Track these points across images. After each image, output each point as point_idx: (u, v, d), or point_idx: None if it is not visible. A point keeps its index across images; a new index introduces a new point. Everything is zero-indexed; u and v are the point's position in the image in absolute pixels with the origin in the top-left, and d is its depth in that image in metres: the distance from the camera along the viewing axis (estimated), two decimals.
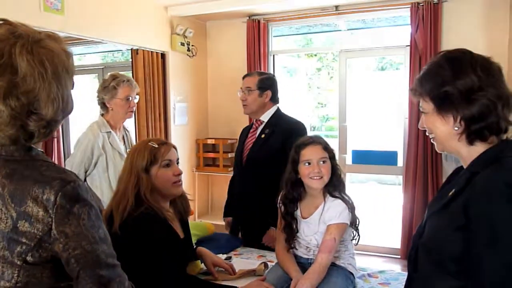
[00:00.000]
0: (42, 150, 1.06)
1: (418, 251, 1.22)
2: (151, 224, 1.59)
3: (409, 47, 4.19)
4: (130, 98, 2.58)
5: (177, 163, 1.83)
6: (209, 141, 5.08)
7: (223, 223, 2.92)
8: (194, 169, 5.06)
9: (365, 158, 4.69)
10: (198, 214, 5.07)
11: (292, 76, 5.98)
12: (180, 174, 1.79)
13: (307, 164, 1.92)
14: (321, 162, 1.91)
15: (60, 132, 5.48)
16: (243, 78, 2.74)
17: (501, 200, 1.01)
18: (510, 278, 1.00)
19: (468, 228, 1.06)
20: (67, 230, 0.94)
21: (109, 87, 2.53)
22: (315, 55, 9.30)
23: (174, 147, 1.84)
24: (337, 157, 5.12)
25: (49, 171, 0.98)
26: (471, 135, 1.13)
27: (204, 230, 2.67)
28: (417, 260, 1.22)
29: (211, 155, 5.09)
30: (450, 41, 4.03)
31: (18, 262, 0.93)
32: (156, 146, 1.74)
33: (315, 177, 1.90)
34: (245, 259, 2.33)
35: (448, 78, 1.13)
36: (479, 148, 1.14)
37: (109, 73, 2.66)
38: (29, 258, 0.93)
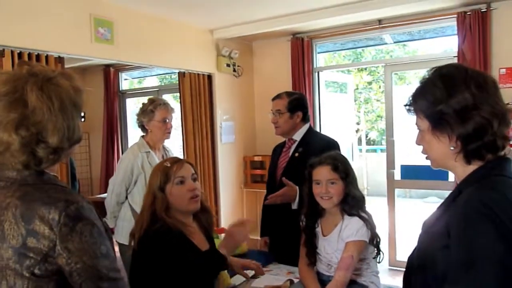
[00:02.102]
0: (54, 174, 1.20)
1: (410, 271, 1.20)
2: (164, 240, 1.67)
3: (456, 58, 4.05)
4: (167, 120, 2.75)
5: (194, 179, 1.86)
6: (256, 158, 5.17)
7: None
8: (242, 186, 5.17)
9: (414, 173, 4.55)
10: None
11: (342, 91, 5.96)
12: (194, 189, 1.81)
13: (317, 184, 1.95)
14: (330, 183, 1.92)
15: (120, 150, 5.88)
16: (273, 100, 2.72)
17: (478, 221, 0.98)
18: None
19: (448, 248, 1.03)
20: (69, 246, 1.06)
21: (147, 110, 2.72)
22: (365, 69, 9.16)
23: (190, 163, 1.89)
24: (384, 172, 4.87)
25: (57, 193, 1.10)
26: (469, 155, 1.10)
27: (238, 248, 2.72)
28: (410, 280, 1.21)
29: (259, 171, 5.17)
30: (501, 50, 3.85)
31: (27, 275, 1.06)
32: (169, 165, 1.81)
33: (325, 197, 1.93)
34: (274, 275, 2.36)
35: (441, 97, 1.11)
36: (475, 166, 1.11)
37: (147, 98, 2.86)
38: (36, 271, 1.06)
